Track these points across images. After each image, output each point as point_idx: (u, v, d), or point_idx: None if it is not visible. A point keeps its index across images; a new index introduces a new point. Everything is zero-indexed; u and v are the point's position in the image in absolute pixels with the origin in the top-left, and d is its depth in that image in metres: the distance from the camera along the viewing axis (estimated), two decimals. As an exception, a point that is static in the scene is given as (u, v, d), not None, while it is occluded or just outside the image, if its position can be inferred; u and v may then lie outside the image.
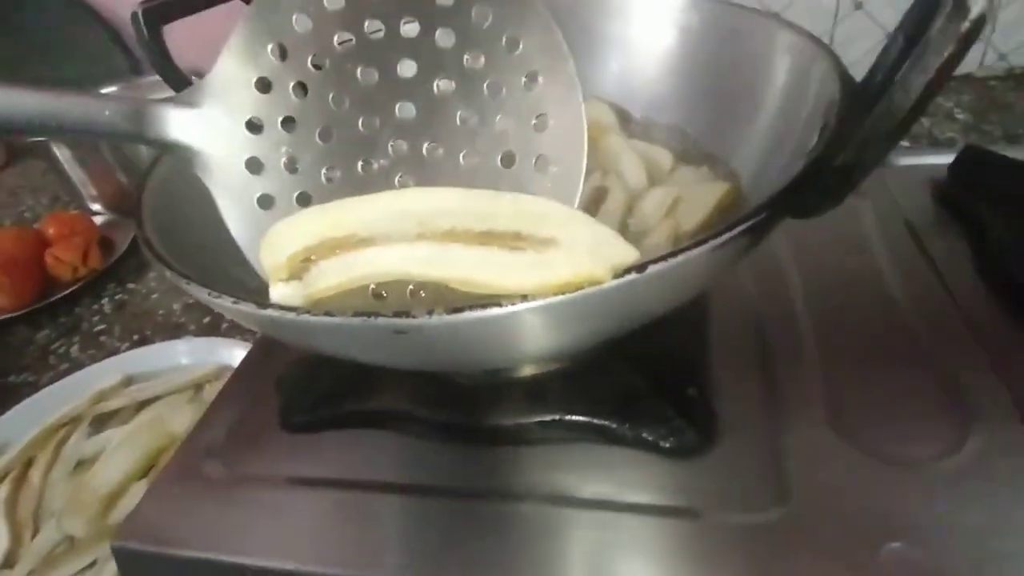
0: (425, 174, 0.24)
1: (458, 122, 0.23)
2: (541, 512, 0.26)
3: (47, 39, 0.88)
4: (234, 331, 0.55)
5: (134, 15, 0.30)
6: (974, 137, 0.62)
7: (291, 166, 0.23)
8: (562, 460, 0.28)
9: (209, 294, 0.19)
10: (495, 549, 0.25)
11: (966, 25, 0.15)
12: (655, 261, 0.17)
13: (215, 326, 0.56)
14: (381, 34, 0.22)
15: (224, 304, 0.19)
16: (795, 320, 0.31)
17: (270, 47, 0.23)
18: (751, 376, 0.29)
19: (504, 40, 0.22)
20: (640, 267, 0.17)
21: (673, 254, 0.17)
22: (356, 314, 0.17)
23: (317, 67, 0.23)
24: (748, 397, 0.28)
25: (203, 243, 0.27)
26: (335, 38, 0.23)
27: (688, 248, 0.17)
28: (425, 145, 0.24)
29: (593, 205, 0.31)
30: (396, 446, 0.30)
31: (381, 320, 0.17)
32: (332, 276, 0.19)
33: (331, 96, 0.23)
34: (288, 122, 0.23)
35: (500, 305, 0.17)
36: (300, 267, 0.19)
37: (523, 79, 0.23)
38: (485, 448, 0.29)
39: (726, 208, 0.29)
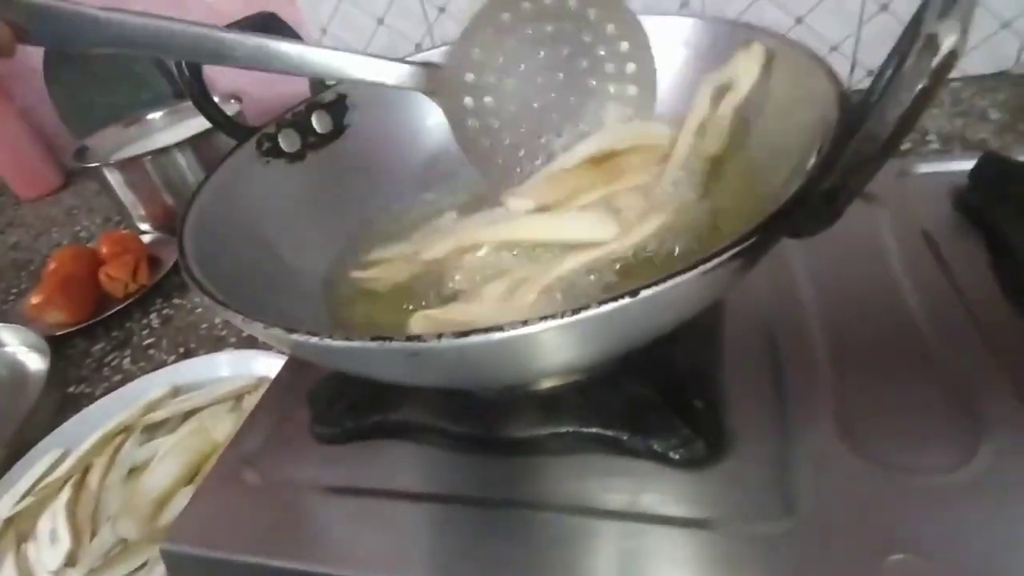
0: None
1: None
2: (556, 520, 0.27)
3: (100, 68, 0.94)
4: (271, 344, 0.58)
5: (177, 63, 0.33)
6: (1009, 138, 0.60)
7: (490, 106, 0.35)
8: (577, 470, 0.29)
9: (243, 320, 0.21)
10: (512, 554, 0.26)
11: (938, 60, 0.15)
12: (647, 286, 0.18)
13: (254, 339, 0.59)
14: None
15: (256, 328, 0.21)
16: (807, 329, 0.32)
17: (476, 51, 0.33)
18: (762, 387, 0.30)
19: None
20: (633, 292, 0.18)
21: (663, 279, 0.18)
22: (373, 338, 0.19)
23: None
24: (759, 408, 0.29)
25: (238, 268, 0.30)
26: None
27: (678, 273, 0.18)
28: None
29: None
30: (418, 456, 0.32)
31: (395, 344, 0.19)
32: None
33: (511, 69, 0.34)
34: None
35: (502, 329, 0.18)
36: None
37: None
38: (502, 459, 0.30)
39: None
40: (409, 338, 0.18)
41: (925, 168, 0.41)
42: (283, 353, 0.53)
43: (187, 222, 0.29)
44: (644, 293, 0.18)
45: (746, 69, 0.32)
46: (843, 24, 0.68)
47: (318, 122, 0.39)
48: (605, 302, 0.18)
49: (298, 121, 0.38)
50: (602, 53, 0.34)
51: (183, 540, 0.30)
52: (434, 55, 0.35)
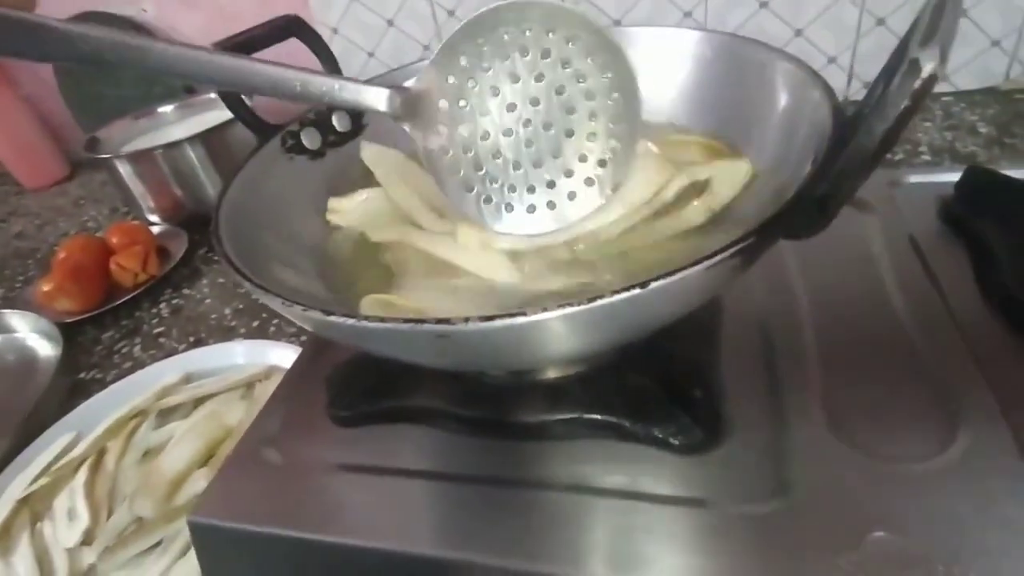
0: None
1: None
2: (561, 499, 0.29)
3: (110, 62, 0.95)
4: (280, 334, 0.59)
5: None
6: (997, 151, 0.63)
7: (464, 135, 0.33)
8: (580, 454, 0.31)
9: (283, 303, 0.23)
10: (518, 531, 0.28)
11: (919, 83, 0.17)
12: (657, 278, 0.20)
13: (263, 329, 0.60)
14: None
15: (294, 311, 0.23)
16: (799, 326, 0.34)
17: (451, 77, 0.32)
18: (755, 378, 0.32)
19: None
20: (643, 283, 0.20)
21: (671, 272, 0.20)
22: (405, 321, 0.21)
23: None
24: (752, 398, 0.31)
25: (265, 255, 0.32)
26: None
27: (685, 267, 0.20)
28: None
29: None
30: (430, 439, 0.33)
31: (426, 326, 0.20)
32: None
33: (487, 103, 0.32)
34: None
35: (525, 314, 0.20)
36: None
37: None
38: (511, 442, 0.32)
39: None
40: (439, 321, 0.20)
41: (914, 178, 0.43)
42: (292, 343, 0.54)
43: (221, 213, 0.30)
44: (653, 284, 0.20)
45: (729, 182, 0.32)
46: (841, 37, 0.71)
47: (338, 121, 0.41)
48: (618, 292, 0.20)
49: (319, 120, 0.40)
50: (585, 83, 0.31)
51: (208, 513, 0.31)
52: (407, 80, 0.32)
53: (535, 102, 0.32)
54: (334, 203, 0.37)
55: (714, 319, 0.35)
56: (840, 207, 0.20)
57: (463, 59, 0.31)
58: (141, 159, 0.75)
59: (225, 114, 0.80)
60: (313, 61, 0.42)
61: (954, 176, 0.42)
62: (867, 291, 0.35)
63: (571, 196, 0.33)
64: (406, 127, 0.32)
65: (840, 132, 0.25)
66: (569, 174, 0.33)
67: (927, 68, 0.17)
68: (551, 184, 0.33)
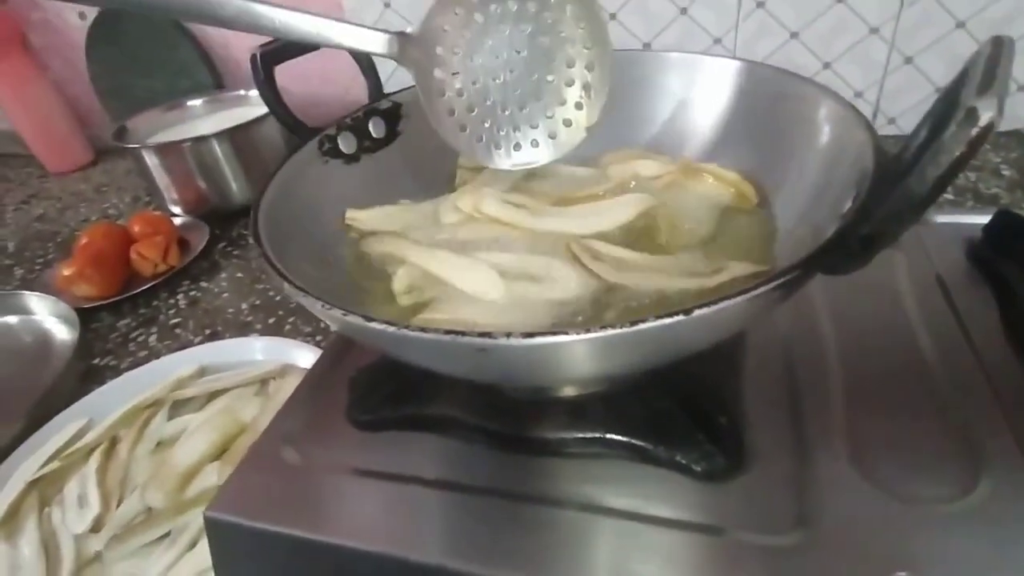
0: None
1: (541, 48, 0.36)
2: (575, 518, 0.29)
3: (142, 52, 0.96)
4: (295, 332, 0.59)
5: (253, 57, 0.35)
6: (1019, 194, 0.63)
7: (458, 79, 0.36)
8: (597, 473, 0.31)
9: (323, 307, 0.23)
10: (530, 547, 0.28)
11: (976, 131, 0.17)
12: (700, 307, 0.20)
13: (279, 326, 0.61)
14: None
15: (334, 315, 0.23)
16: (824, 361, 0.34)
17: (446, 26, 0.35)
18: (779, 410, 0.32)
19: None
20: (687, 310, 0.20)
21: (715, 301, 0.20)
22: (447, 332, 0.21)
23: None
24: (775, 429, 0.31)
25: (300, 256, 0.32)
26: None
27: (729, 297, 0.20)
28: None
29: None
30: (448, 448, 0.34)
31: (467, 338, 0.21)
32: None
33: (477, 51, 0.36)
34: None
35: (567, 333, 0.20)
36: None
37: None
38: (528, 457, 0.32)
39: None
40: (481, 334, 0.21)
41: (942, 219, 0.43)
42: (308, 342, 0.55)
43: (260, 213, 0.31)
44: (696, 312, 0.20)
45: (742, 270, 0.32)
46: (868, 72, 0.71)
47: (374, 127, 0.41)
48: (661, 317, 0.20)
49: (356, 125, 0.40)
50: (563, 33, 0.35)
51: (224, 508, 0.31)
52: (407, 28, 0.35)
53: (519, 50, 0.36)
54: (352, 213, 0.39)
55: (738, 346, 0.35)
56: (884, 247, 0.21)
57: (458, 9, 0.35)
58: (168, 151, 0.76)
59: (253, 111, 0.82)
60: (353, 68, 0.43)
61: (981, 218, 0.42)
62: (893, 328, 0.35)
63: (552, 135, 0.37)
64: (407, 68, 0.35)
65: (882, 172, 0.25)
66: (551, 115, 0.37)
67: (985, 117, 0.17)
68: (534, 125, 0.37)
